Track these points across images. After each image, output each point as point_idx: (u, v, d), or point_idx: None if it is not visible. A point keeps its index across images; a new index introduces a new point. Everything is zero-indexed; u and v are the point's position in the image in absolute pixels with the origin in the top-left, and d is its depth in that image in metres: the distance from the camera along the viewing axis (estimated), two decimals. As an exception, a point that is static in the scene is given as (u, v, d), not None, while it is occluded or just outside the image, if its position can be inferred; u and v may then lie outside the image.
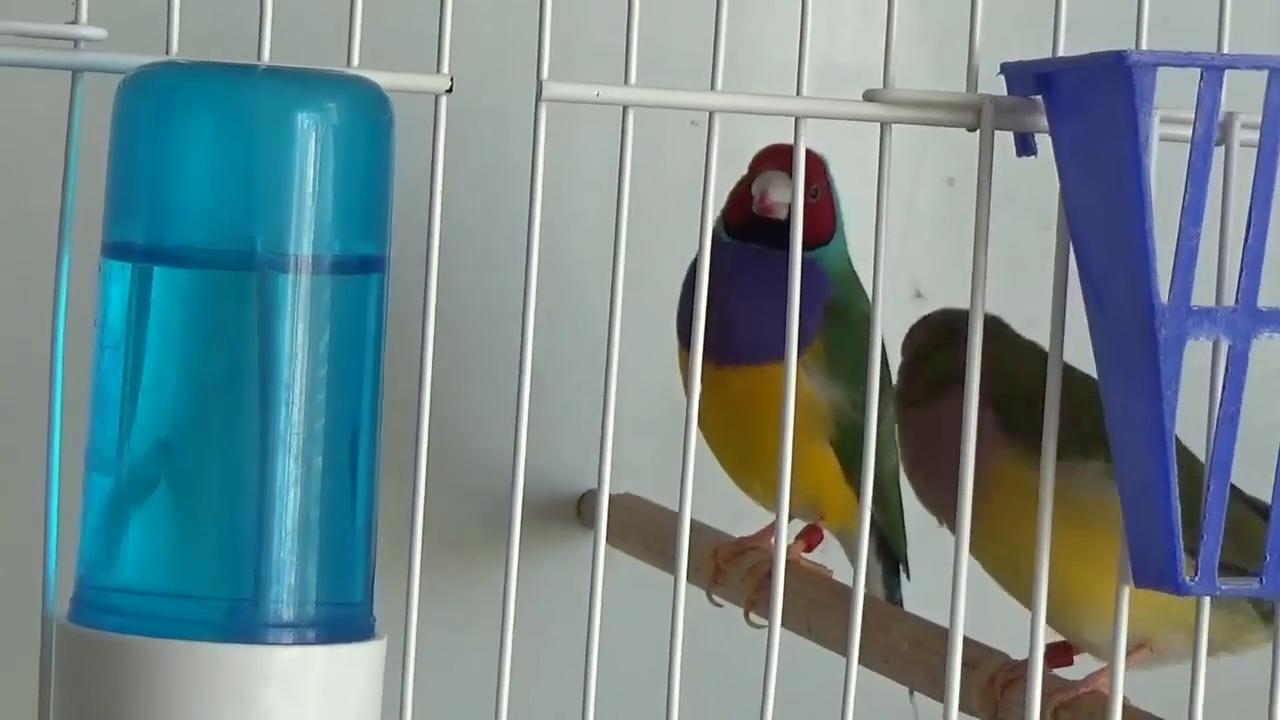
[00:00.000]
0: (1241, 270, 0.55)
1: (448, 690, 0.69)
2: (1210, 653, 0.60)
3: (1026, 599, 0.61)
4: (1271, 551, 0.56)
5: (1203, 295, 0.55)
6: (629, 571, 0.83)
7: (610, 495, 0.60)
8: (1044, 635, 0.61)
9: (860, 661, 0.58)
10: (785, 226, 0.63)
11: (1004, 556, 0.69)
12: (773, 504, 0.61)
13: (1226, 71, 0.55)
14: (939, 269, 0.95)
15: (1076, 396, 0.61)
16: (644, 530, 0.90)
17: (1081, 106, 0.57)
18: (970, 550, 0.62)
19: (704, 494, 0.61)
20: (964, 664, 0.59)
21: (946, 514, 0.71)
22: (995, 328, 0.69)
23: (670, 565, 0.72)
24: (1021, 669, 0.67)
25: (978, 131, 0.59)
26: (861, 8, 0.85)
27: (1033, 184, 0.66)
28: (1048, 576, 0.60)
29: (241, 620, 0.56)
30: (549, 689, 0.71)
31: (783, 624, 0.59)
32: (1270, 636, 0.63)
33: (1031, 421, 0.61)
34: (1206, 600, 0.57)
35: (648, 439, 0.85)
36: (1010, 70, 0.59)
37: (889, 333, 0.66)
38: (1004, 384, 0.63)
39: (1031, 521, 0.60)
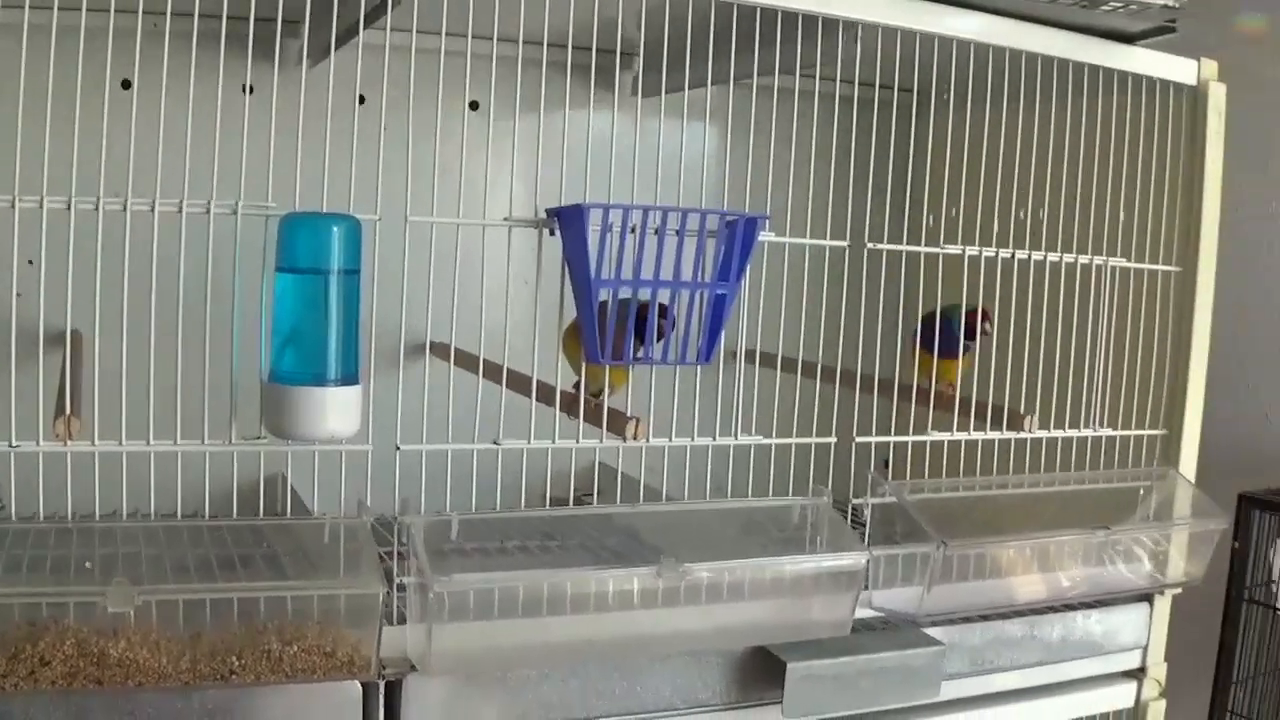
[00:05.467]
0: (636, 268, 1.80)
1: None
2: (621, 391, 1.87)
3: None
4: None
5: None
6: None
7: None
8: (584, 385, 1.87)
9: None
10: None
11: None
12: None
13: (624, 211, 1.79)
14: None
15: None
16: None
17: (571, 222, 1.75)
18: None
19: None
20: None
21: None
22: None
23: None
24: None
25: (544, 231, 1.79)
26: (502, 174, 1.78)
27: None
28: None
29: (322, 378, 1.59)
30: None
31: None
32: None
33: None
34: (609, 366, 1.85)
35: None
36: (548, 210, 1.78)
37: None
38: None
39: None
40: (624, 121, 1.86)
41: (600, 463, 1.95)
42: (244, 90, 1.66)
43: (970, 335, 2.09)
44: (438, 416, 1.74)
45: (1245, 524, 2.47)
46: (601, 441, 1.82)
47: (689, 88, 1.96)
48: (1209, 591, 2.45)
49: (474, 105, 1.84)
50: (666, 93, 1.85)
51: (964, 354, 2.11)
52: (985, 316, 2.07)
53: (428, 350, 1.91)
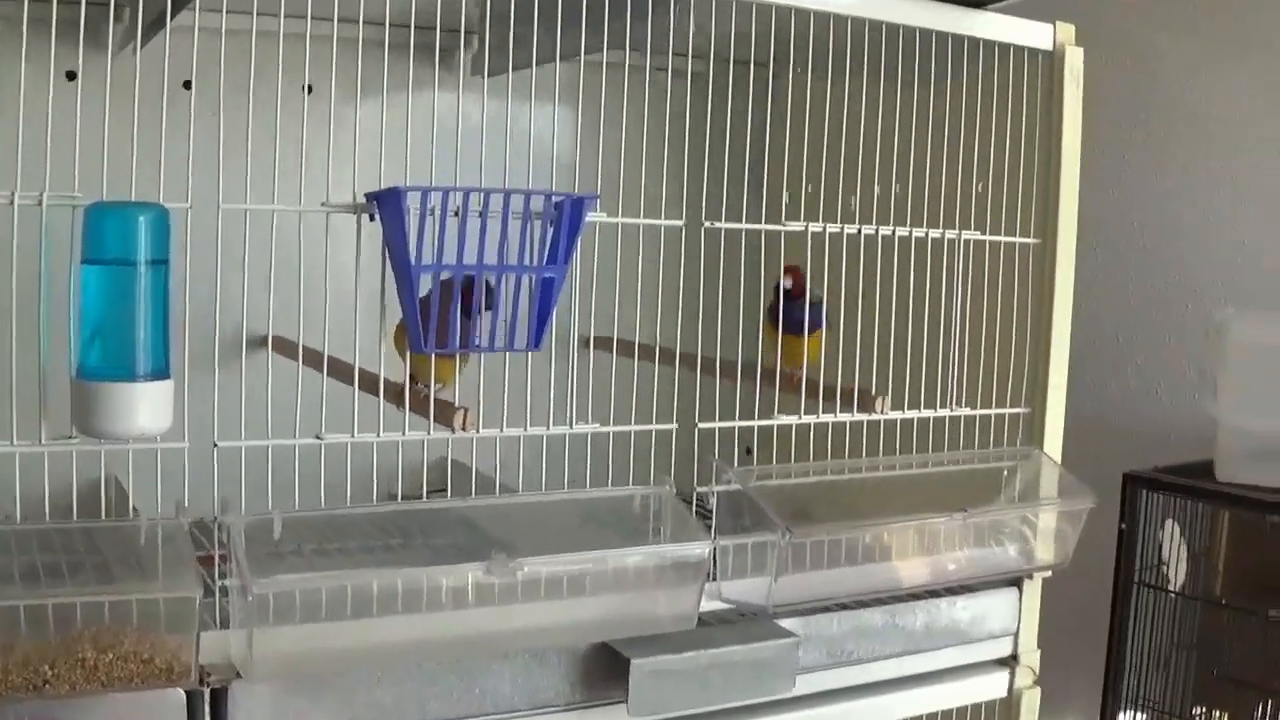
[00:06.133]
0: (459, 253, 1.75)
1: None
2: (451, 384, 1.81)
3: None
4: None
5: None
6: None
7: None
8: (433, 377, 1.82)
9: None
10: None
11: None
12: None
13: (444, 194, 1.73)
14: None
15: None
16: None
17: (389, 205, 1.72)
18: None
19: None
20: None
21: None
22: None
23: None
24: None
25: (365, 217, 1.73)
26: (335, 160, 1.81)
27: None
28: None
29: (133, 375, 1.57)
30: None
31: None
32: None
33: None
34: (435, 355, 1.79)
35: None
36: (367, 194, 1.74)
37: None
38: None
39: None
40: (465, 102, 1.80)
41: (441, 456, 1.88)
42: (67, 77, 1.60)
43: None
44: (260, 412, 1.70)
45: (1132, 504, 2.41)
46: (429, 433, 1.77)
47: (515, 68, 1.90)
48: (1099, 576, 2.40)
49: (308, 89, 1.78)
50: (492, 75, 1.79)
51: (812, 333, 2.04)
52: (789, 272, 2.00)
53: (244, 342, 1.84)
